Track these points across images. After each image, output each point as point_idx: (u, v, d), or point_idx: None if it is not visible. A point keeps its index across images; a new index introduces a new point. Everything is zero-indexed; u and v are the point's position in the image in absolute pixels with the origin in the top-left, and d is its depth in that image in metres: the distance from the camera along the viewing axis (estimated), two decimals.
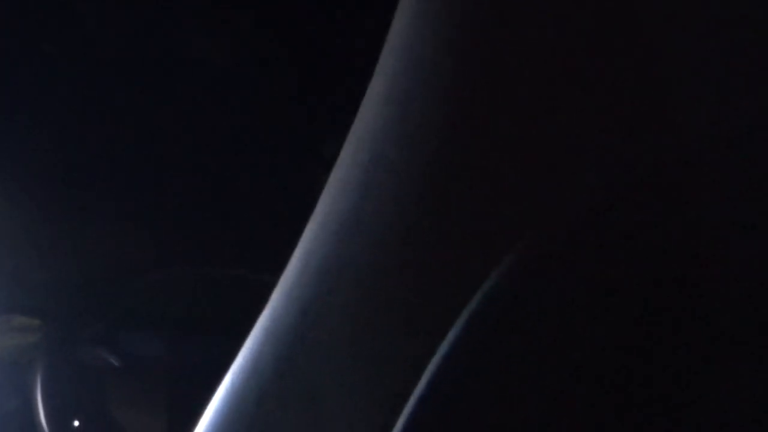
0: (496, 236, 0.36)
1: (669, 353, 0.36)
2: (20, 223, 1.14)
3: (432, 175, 0.38)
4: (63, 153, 1.11)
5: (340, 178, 0.43)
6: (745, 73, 0.35)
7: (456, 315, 0.36)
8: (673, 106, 0.35)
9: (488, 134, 0.37)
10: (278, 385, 0.44)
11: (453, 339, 0.36)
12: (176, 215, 1.17)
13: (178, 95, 1.06)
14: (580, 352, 0.36)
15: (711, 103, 0.35)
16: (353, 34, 0.94)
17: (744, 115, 0.35)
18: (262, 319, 0.47)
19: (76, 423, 1.21)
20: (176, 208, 1.16)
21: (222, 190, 1.13)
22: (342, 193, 0.42)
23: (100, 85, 1.05)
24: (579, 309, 0.36)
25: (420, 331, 0.38)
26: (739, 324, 0.35)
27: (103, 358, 1.22)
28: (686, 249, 0.35)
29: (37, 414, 1.18)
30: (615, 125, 0.35)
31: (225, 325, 1.16)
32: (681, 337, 0.36)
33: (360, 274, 0.41)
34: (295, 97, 1.04)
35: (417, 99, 0.39)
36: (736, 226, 0.35)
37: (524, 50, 0.36)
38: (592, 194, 0.36)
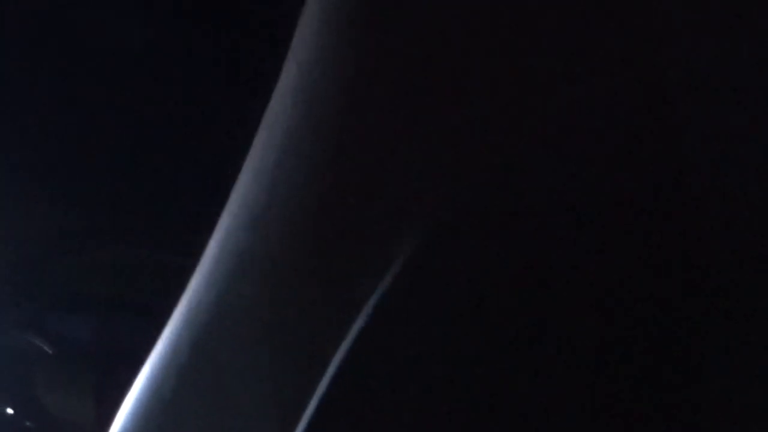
0: (393, 230, 0.37)
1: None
2: None
3: (333, 170, 0.39)
4: None
5: (251, 169, 0.44)
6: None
7: (361, 307, 0.37)
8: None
9: (383, 128, 0.37)
10: (193, 372, 0.45)
11: (356, 332, 0.37)
12: (103, 199, 1.16)
13: (114, 79, 1.06)
14: (466, 351, 0.37)
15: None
16: (267, 25, 0.95)
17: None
18: (181, 306, 0.48)
19: (10, 411, 1.20)
20: (104, 192, 1.15)
21: (150, 175, 1.13)
22: (253, 183, 0.43)
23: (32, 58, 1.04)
24: (466, 304, 0.37)
25: (325, 325, 0.39)
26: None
27: (32, 342, 1.21)
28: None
29: None
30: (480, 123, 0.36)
31: (151, 309, 1.16)
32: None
33: (271, 264, 0.41)
34: (217, 86, 1.04)
35: (321, 93, 0.39)
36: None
37: (421, 50, 0.37)
38: (479, 192, 0.36)
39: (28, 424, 1.21)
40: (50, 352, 1.19)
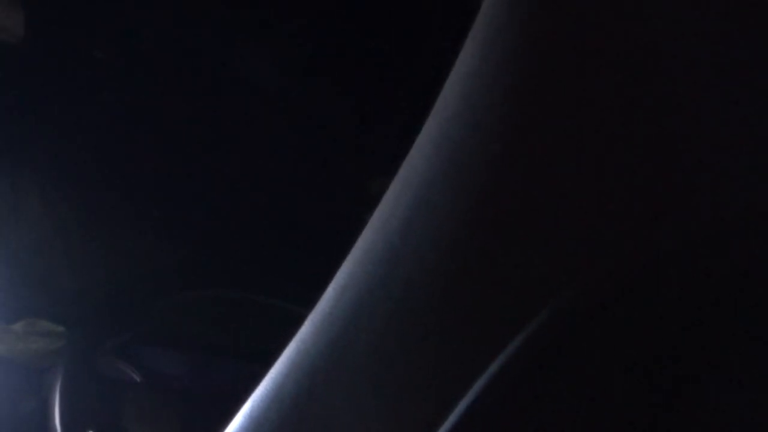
0: (530, 290, 0.36)
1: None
2: (54, 229, 1.15)
3: (473, 222, 0.38)
4: (104, 163, 1.11)
5: (381, 217, 0.43)
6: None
7: (483, 367, 0.36)
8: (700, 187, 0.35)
9: (532, 191, 0.37)
10: (297, 416, 0.44)
11: (477, 391, 0.36)
12: (215, 238, 1.17)
13: (230, 121, 1.07)
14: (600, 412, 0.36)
15: (736, 186, 0.35)
16: (415, 73, 0.95)
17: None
18: (289, 350, 0.47)
19: None
20: (216, 231, 1.16)
21: (264, 218, 1.14)
22: (382, 232, 0.42)
23: (147, 99, 1.06)
24: (602, 372, 0.36)
25: (445, 379, 0.38)
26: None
27: (123, 371, 1.22)
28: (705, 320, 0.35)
29: (53, 420, 1.18)
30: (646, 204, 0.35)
31: (251, 351, 1.16)
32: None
33: (391, 315, 0.41)
34: (348, 133, 1.04)
35: (468, 146, 0.39)
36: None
37: (575, 113, 0.36)
38: (624, 261, 0.35)
39: None
40: (141, 382, 1.20)
